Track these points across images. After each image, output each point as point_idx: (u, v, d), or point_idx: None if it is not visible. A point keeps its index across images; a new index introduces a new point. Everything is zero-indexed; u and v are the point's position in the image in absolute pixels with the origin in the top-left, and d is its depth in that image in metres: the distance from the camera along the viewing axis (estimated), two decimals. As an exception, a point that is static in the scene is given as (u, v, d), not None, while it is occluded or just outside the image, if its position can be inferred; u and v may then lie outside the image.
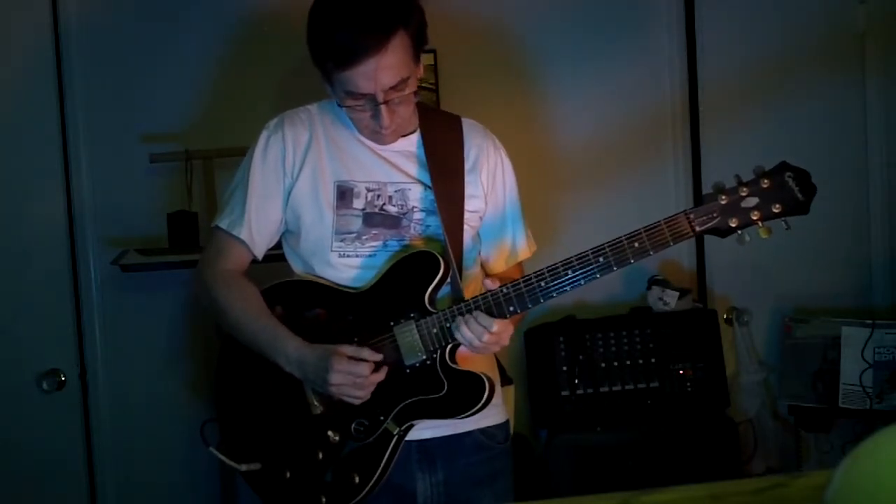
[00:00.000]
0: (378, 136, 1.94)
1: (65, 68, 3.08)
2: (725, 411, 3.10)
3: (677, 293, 3.16)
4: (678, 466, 2.94)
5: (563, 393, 3.01)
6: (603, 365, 3.03)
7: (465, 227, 1.97)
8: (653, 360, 3.05)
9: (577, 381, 3.01)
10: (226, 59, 3.13)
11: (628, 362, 3.04)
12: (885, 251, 3.49)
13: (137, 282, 3.05)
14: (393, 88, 1.84)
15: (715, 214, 1.76)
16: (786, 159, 1.78)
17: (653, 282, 3.23)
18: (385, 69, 1.81)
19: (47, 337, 3.10)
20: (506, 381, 2.79)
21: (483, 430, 2.02)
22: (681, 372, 3.04)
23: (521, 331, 3.16)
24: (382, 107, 1.85)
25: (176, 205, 2.97)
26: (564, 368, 3.02)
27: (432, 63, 3.18)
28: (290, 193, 1.97)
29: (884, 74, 3.43)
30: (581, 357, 3.02)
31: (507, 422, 2.11)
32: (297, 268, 2.03)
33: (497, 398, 2.04)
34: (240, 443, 2.01)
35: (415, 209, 1.96)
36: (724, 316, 3.40)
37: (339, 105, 1.91)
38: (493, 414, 2.04)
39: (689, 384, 3.04)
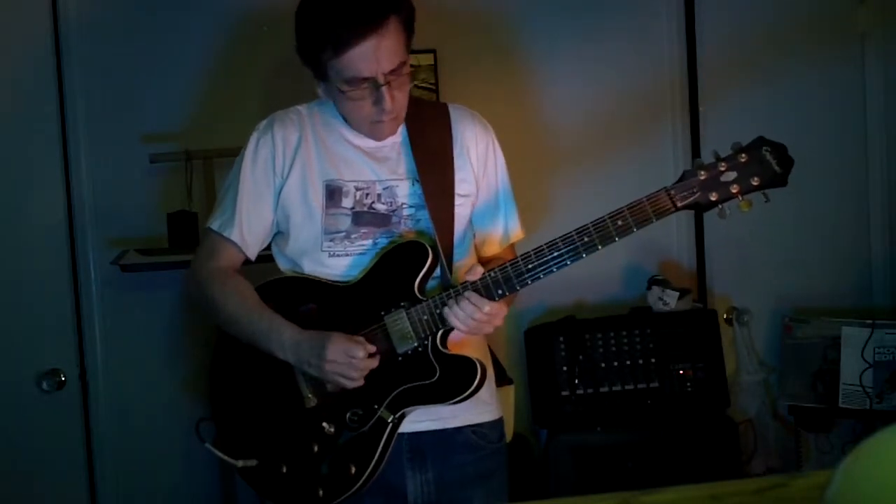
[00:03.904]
0: (378, 126, 1.95)
1: (65, 68, 3.07)
2: (725, 411, 3.10)
3: (677, 293, 3.16)
4: (678, 466, 2.93)
5: (563, 393, 3.01)
6: (603, 365, 3.03)
7: (456, 216, 1.98)
8: (653, 360, 3.04)
9: (577, 381, 3.01)
10: (226, 59, 3.13)
11: (628, 362, 3.04)
12: (885, 251, 3.49)
13: (137, 282, 3.05)
14: (392, 72, 1.86)
15: (695, 190, 1.80)
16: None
17: (653, 282, 3.23)
18: (384, 50, 1.84)
19: (47, 337, 3.09)
20: (506, 381, 2.80)
21: (475, 430, 2.02)
22: (681, 372, 3.04)
23: (521, 331, 3.17)
24: (384, 89, 1.86)
25: (176, 205, 2.97)
26: (564, 368, 3.02)
27: (432, 63, 3.18)
28: (280, 193, 1.99)
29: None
30: (581, 357, 3.02)
31: (500, 420, 2.10)
32: (286, 269, 2.05)
33: (490, 395, 2.05)
34: (235, 440, 2.02)
35: (403, 206, 1.97)
36: (724, 316, 3.40)
37: (340, 92, 1.89)
38: (486, 411, 2.04)
39: (689, 384, 3.04)
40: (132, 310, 3.12)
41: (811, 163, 3.34)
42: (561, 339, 3.04)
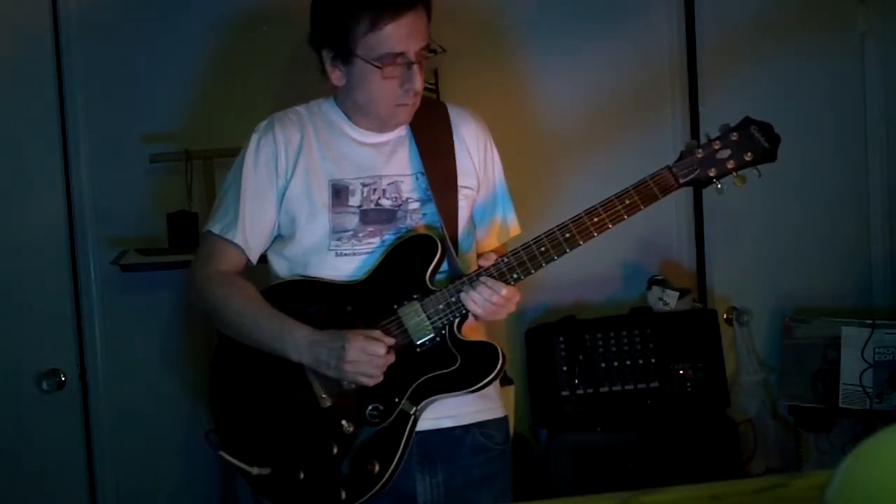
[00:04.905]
0: (400, 110, 1.95)
1: (65, 68, 3.07)
2: (725, 411, 3.10)
3: (677, 293, 3.15)
4: (678, 466, 2.93)
5: (563, 393, 3.01)
6: (603, 365, 3.03)
7: (460, 208, 1.99)
8: (653, 360, 3.04)
9: (577, 381, 3.00)
10: (226, 59, 3.13)
11: (628, 362, 3.03)
12: (885, 251, 3.49)
13: (137, 282, 3.04)
14: (421, 51, 1.91)
15: (694, 167, 1.90)
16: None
17: (653, 282, 3.23)
18: (418, 27, 1.89)
19: (47, 337, 3.09)
20: (506, 381, 2.79)
21: (482, 431, 2.02)
22: (681, 372, 3.04)
23: (522, 331, 3.17)
24: (416, 66, 1.90)
25: (176, 205, 2.97)
26: (564, 368, 3.02)
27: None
28: (283, 195, 1.97)
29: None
30: (581, 357, 3.02)
31: (505, 418, 2.10)
32: (284, 273, 2.02)
33: (495, 391, 2.05)
34: (244, 450, 1.96)
35: (409, 200, 1.98)
36: (724, 316, 3.39)
37: (376, 68, 1.89)
38: (492, 407, 2.04)
39: (689, 384, 3.04)
40: (132, 310, 3.12)
41: (811, 162, 3.37)
42: (561, 339, 3.03)
